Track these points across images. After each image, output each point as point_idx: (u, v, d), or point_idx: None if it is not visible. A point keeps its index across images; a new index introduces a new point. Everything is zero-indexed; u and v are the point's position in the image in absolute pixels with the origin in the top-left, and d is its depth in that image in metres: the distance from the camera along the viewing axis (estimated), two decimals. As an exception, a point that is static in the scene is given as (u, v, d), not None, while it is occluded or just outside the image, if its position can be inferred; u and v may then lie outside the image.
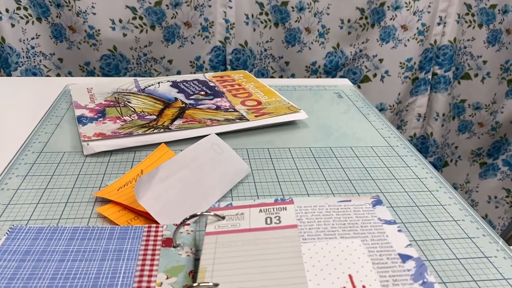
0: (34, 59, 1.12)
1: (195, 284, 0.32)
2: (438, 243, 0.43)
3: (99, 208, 0.45)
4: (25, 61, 1.11)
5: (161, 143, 0.58)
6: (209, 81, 0.79)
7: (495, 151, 1.46)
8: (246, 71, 0.87)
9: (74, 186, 0.50)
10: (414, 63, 1.28)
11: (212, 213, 0.40)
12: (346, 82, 0.88)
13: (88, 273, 0.36)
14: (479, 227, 0.46)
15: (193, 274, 0.36)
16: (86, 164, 0.54)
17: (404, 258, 0.35)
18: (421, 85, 1.32)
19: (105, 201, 0.47)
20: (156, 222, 0.43)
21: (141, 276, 0.36)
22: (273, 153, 0.59)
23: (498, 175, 1.48)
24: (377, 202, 0.42)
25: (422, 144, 1.40)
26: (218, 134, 0.56)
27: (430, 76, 1.30)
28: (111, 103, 0.67)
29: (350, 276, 0.32)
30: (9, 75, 1.10)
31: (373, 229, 0.38)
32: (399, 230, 0.38)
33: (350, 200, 0.42)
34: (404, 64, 1.28)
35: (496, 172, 1.48)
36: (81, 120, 0.62)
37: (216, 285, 0.32)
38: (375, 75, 1.30)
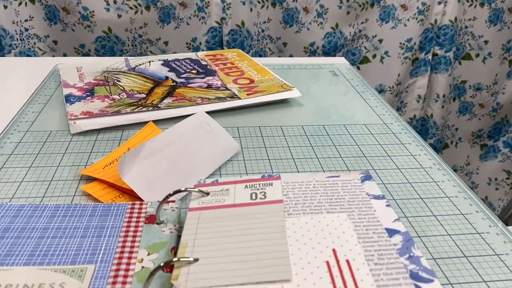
0: (28, 41, 1.10)
1: (174, 259, 0.31)
2: (430, 220, 0.42)
3: (84, 186, 0.44)
4: (19, 44, 1.09)
5: (149, 121, 0.56)
6: (202, 60, 0.77)
7: (496, 133, 1.44)
8: (239, 50, 0.85)
9: (59, 164, 0.49)
10: (414, 44, 1.26)
11: (196, 189, 0.39)
12: (342, 60, 0.87)
13: (67, 250, 0.35)
14: (472, 204, 0.44)
15: (176, 250, 0.35)
16: (73, 142, 0.53)
17: (391, 232, 0.34)
18: (421, 66, 1.30)
19: (90, 179, 0.46)
20: (141, 200, 0.42)
21: (121, 252, 0.35)
22: (264, 131, 0.58)
23: (499, 157, 1.46)
24: (366, 177, 0.41)
25: (422, 126, 1.38)
26: (208, 112, 0.55)
27: (430, 57, 1.28)
28: (100, 82, 0.66)
29: (333, 251, 0.31)
30: (2, 57, 1.08)
31: (360, 203, 0.37)
32: (388, 205, 0.37)
33: (338, 176, 0.41)
34: (404, 44, 1.26)
35: (496, 154, 1.46)
36: (68, 99, 0.60)
37: (196, 260, 0.31)
38: (374, 56, 1.28)
